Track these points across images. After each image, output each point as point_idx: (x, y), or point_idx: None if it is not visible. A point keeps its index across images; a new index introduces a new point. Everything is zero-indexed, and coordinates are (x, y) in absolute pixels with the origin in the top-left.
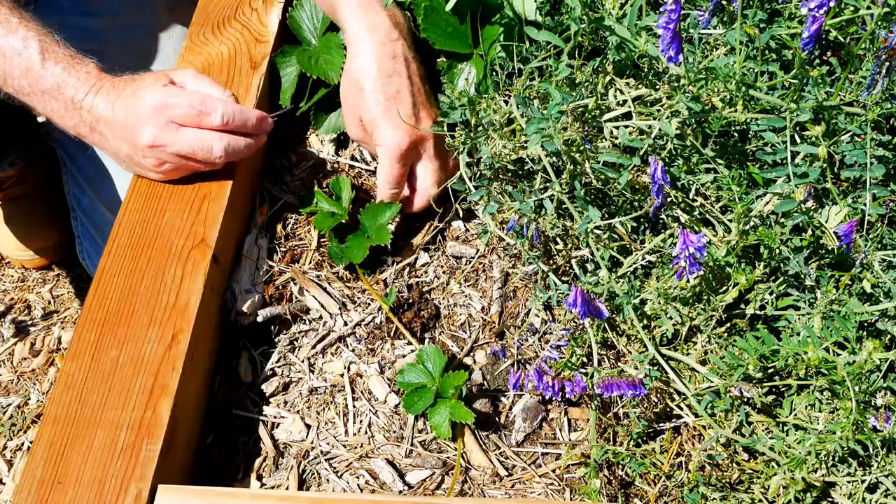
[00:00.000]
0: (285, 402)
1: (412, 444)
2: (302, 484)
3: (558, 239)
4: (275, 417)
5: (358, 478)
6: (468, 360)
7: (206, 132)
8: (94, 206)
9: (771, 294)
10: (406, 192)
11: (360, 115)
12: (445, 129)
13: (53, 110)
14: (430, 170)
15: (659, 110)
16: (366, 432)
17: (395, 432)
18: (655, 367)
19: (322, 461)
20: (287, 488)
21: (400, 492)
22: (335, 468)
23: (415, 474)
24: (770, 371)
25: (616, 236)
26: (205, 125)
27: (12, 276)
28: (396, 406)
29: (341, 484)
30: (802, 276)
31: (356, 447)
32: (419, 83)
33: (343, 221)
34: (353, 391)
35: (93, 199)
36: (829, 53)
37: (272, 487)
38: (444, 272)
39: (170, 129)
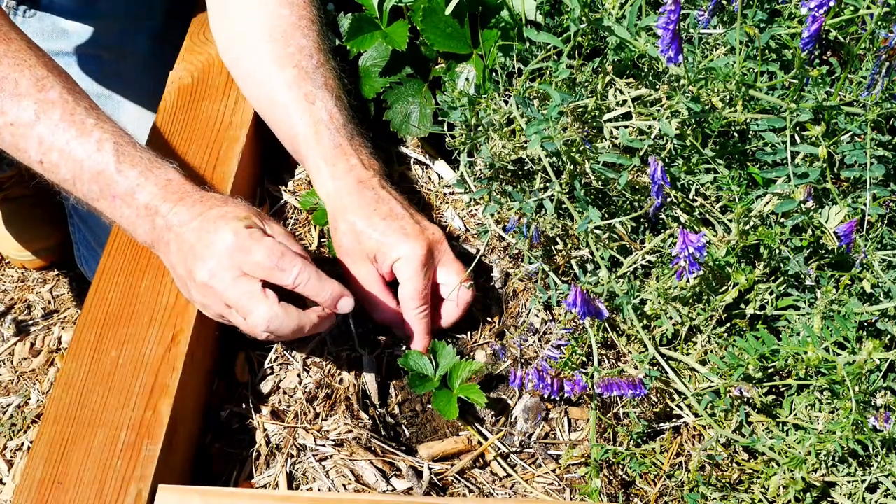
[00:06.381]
0: (280, 402)
1: (401, 448)
2: (291, 482)
3: (558, 239)
4: (270, 417)
5: (344, 477)
6: None
7: (256, 294)
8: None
9: (771, 294)
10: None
11: (364, 252)
12: (445, 129)
13: (124, 216)
14: (455, 272)
15: (659, 110)
16: (359, 433)
17: (387, 434)
18: (655, 367)
19: (312, 460)
20: (276, 486)
21: (384, 491)
22: (325, 467)
23: (401, 483)
24: (770, 371)
25: (616, 236)
26: (274, 281)
27: (12, 276)
28: (393, 406)
29: (327, 483)
30: (802, 276)
31: (347, 446)
32: (405, 201)
33: None
34: (348, 390)
35: None
36: (829, 53)
37: (264, 486)
38: None
39: (229, 275)
